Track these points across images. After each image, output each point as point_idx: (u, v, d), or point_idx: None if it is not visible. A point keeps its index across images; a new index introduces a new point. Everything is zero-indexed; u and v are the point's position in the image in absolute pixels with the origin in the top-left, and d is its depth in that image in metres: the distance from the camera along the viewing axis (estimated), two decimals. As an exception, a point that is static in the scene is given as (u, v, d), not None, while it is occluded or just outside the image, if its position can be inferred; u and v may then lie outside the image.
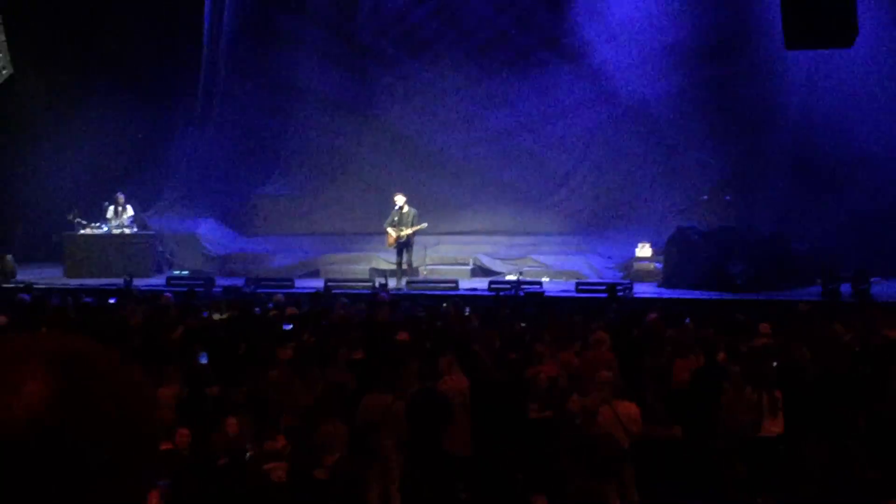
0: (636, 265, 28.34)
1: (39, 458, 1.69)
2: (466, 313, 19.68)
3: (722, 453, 13.06)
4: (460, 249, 30.61)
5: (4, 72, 30.16)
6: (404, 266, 27.53)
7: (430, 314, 19.51)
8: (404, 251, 27.50)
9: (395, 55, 33.44)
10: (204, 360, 15.13)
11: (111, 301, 22.68)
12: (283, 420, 12.44)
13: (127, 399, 1.82)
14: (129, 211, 29.97)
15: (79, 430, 1.73)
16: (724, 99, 30.51)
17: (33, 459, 1.69)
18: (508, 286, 26.02)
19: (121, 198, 29.98)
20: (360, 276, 28.34)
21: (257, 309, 20.37)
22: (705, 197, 29.72)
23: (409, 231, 27.27)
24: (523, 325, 18.07)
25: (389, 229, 27.45)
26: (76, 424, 1.73)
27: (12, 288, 26.04)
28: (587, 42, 31.52)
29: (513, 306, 21.57)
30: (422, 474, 12.42)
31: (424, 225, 27.50)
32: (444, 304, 21.17)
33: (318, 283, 26.73)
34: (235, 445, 11.19)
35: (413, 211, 27.49)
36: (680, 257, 26.84)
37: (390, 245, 27.72)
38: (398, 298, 23.44)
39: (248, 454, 11.28)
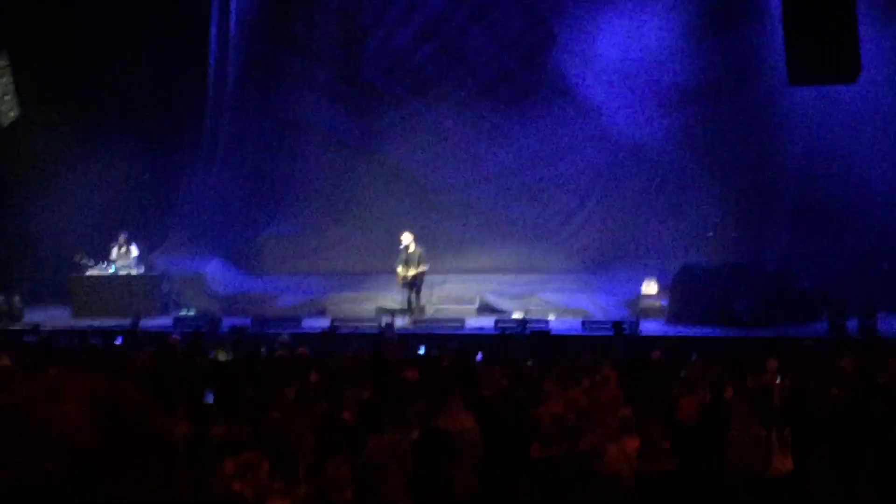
0: (642, 302, 28.32)
1: (83, 490, 1.71)
2: (479, 358, 19.66)
3: (729, 491, 13.02)
4: (466, 288, 30.60)
5: (12, 114, 30.24)
6: (412, 304, 27.56)
7: (439, 353, 19.51)
8: (412, 290, 27.53)
9: (400, 94, 33.52)
10: (210, 400, 15.13)
11: (117, 342, 22.69)
12: (287, 460, 12.42)
13: (155, 437, 1.85)
14: (134, 251, 30.02)
15: (115, 470, 1.75)
16: (727, 136, 30.57)
17: (77, 491, 1.71)
18: (515, 324, 26.02)
19: (123, 238, 30.03)
20: (366, 315, 28.33)
21: (263, 349, 20.38)
22: (710, 234, 29.74)
23: (413, 272, 27.29)
24: (530, 363, 18.05)
25: (399, 268, 27.50)
26: (113, 464, 1.75)
27: (19, 330, 26.07)
28: (591, 80, 31.59)
29: (519, 344, 21.55)
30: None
31: (423, 269, 27.51)
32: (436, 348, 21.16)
33: (325, 323, 26.75)
34: (236, 486, 11.15)
35: (420, 250, 27.51)
36: (686, 294, 26.84)
37: (398, 284, 27.76)
38: (405, 337, 23.46)
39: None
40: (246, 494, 10.76)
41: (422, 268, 27.42)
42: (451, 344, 21.42)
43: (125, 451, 1.78)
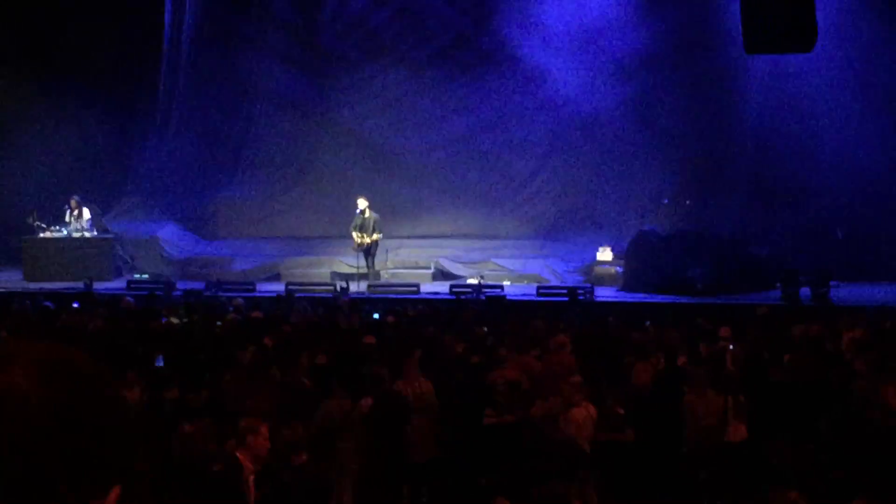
0: (597, 269, 28.42)
1: (25, 458, 1.69)
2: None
3: (684, 458, 13.08)
4: (421, 253, 30.66)
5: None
6: (369, 270, 27.56)
7: (395, 318, 19.49)
8: (368, 256, 27.52)
9: (356, 58, 33.41)
10: (160, 364, 15.07)
11: (74, 305, 22.55)
12: (241, 424, 12.37)
13: (105, 402, 1.83)
14: (87, 214, 29.79)
15: (67, 437, 1.72)
16: (683, 103, 30.68)
17: (21, 458, 1.69)
18: (470, 290, 26.04)
19: (74, 201, 29.77)
20: (321, 280, 28.28)
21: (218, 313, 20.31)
22: (665, 201, 29.89)
23: (368, 239, 27.27)
24: (485, 329, 18.05)
25: (354, 234, 27.44)
26: (64, 430, 1.73)
27: (-30, 292, 25.87)
28: (547, 46, 31.54)
29: (474, 310, 21.56)
30: (381, 479, 12.39)
31: (379, 236, 27.50)
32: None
33: (280, 287, 26.71)
34: (193, 450, 11.11)
35: (375, 216, 27.49)
36: (640, 261, 26.92)
37: (355, 249, 27.72)
38: (359, 302, 23.44)
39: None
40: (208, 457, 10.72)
41: (376, 235, 27.39)
42: (408, 309, 21.40)
43: (76, 416, 1.75)
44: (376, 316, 20.82)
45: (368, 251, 27.49)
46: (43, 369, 1.77)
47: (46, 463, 1.71)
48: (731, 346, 15.70)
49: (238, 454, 9.43)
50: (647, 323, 18.78)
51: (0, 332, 16.80)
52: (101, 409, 1.80)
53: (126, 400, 1.99)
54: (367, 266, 27.63)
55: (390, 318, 19.47)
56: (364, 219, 27.38)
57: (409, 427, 12.60)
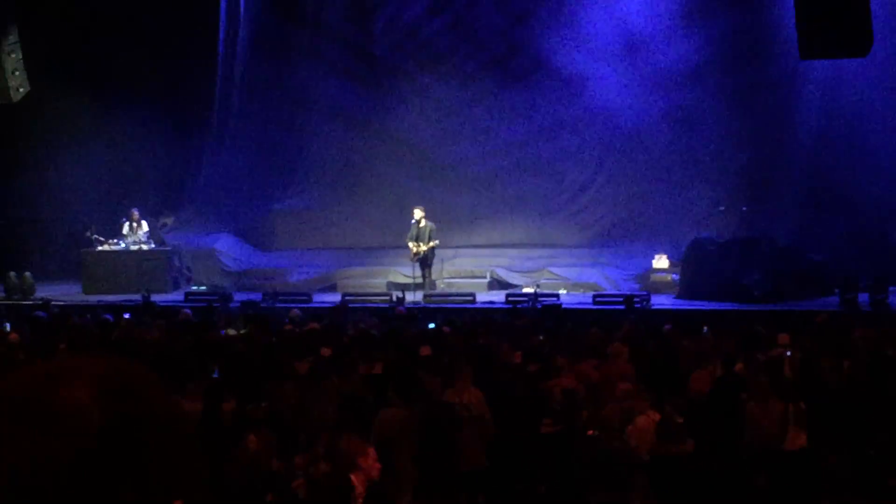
0: (653, 276, 28.32)
1: (88, 473, 1.71)
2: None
3: (744, 466, 13.01)
4: (477, 262, 30.65)
5: (21, 90, 30.18)
6: (425, 280, 27.56)
7: (453, 328, 19.49)
8: (423, 265, 27.53)
9: (410, 69, 33.49)
10: (216, 376, 15.15)
11: (126, 316, 22.70)
12: (301, 436, 12.42)
13: (166, 416, 1.85)
14: (145, 227, 30.02)
15: (126, 452, 1.75)
16: (737, 111, 30.50)
17: (88, 473, 1.71)
18: (526, 299, 26.01)
19: (135, 214, 30.04)
20: (377, 290, 28.33)
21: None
22: (722, 208, 29.74)
23: (425, 248, 27.27)
24: (541, 337, 18.04)
25: (410, 244, 27.48)
26: (123, 446, 1.75)
27: (30, 304, 26.11)
28: (597, 55, 31.47)
29: (531, 319, 21.54)
30: (435, 488, 12.40)
31: (434, 243, 27.49)
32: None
33: (336, 298, 26.77)
34: (257, 462, 11.16)
35: (430, 225, 27.48)
36: (697, 268, 26.81)
37: (412, 260, 27.75)
38: (416, 312, 23.47)
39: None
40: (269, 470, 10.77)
41: (432, 243, 27.40)
42: (461, 318, 21.40)
43: (135, 431, 1.77)
44: (432, 325, 20.83)
45: (425, 261, 27.48)
46: (104, 384, 1.79)
47: (108, 478, 1.73)
48: (788, 353, 15.61)
49: (352, 477, 9.43)
50: (705, 329, 18.67)
51: (59, 345, 16.97)
52: (161, 424, 1.82)
53: (185, 413, 2.01)
54: (423, 276, 27.63)
55: (446, 329, 19.47)
56: (419, 228, 27.39)
57: (461, 436, 12.60)
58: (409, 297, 26.79)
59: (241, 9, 33.50)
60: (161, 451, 1.80)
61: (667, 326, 19.05)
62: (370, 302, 26.36)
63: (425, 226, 27.43)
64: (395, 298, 26.23)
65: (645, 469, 12.06)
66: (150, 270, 29.59)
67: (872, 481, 12.51)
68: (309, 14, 33.88)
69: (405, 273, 28.54)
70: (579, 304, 25.89)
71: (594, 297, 26.34)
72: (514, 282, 29.45)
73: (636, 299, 25.10)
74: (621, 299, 25.11)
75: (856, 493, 10.51)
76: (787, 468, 12.51)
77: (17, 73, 30.04)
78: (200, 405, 12.95)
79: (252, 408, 12.95)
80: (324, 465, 10.67)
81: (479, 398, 13.07)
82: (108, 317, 21.93)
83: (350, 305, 25.02)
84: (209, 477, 2.00)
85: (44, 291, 28.71)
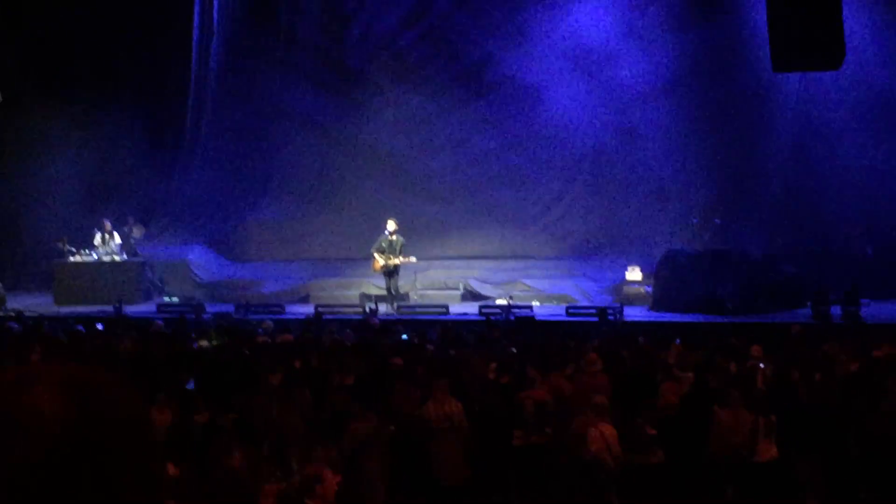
0: (626, 288, 28.33)
1: (54, 479, 1.70)
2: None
3: (712, 477, 13.04)
4: (450, 274, 30.61)
5: (-6, 100, 30.11)
6: (392, 291, 27.51)
7: (422, 340, 19.50)
8: (392, 277, 27.46)
9: (384, 80, 33.48)
10: (190, 387, 15.11)
11: (98, 327, 22.65)
12: (270, 447, 12.38)
13: (133, 424, 1.84)
14: (117, 238, 29.93)
15: (91, 453, 1.74)
16: (712, 124, 30.61)
17: (48, 480, 1.70)
18: (499, 310, 26.02)
19: (107, 224, 29.94)
20: (350, 302, 28.30)
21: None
22: (695, 220, 29.83)
23: (396, 261, 27.19)
24: (514, 349, 18.05)
25: (376, 255, 27.39)
26: (89, 447, 1.74)
27: (2, 316, 25.99)
28: (574, 65, 31.59)
29: (504, 331, 21.55)
30: (409, 500, 12.39)
31: (413, 259, 27.43)
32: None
33: (309, 309, 26.72)
34: (241, 477, 11.10)
35: (401, 239, 27.39)
36: (670, 280, 26.85)
37: (375, 271, 27.70)
38: (389, 323, 23.45)
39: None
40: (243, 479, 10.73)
41: (409, 259, 27.31)
42: (432, 331, 21.41)
43: (101, 438, 1.76)
44: (405, 337, 20.83)
45: (391, 274, 27.42)
46: (66, 390, 1.78)
47: (68, 480, 1.72)
48: (761, 365, 15.65)
49: (308, 502, 9.41)
50: (677, 341, 18.69)
51: (32, 356, 16.90)
52: (125, 431, 1.81)
53: (153, 422, 2.01)
54: (388, 289, 27.53)
55: (417, 340, 19.48)
56: (391, 241, 27.34)
57: (435, 448, 12.59)
58: (383, 308, 26.78)
59: (215, 19, 33.51)
60: (123, 456, 1.79)
61: (640, 338, 19.09)
62: (343, 313, 26.32)
63: (397, 239, 27.36)
64: (368, 310, 26.21)
65: (614, 480, 12.07)
66: (122, 281, 29.48)
67: (842, 494, 12.56)
68: (283, 25, 33.89)
69: (378, 285, 28.50)
70: (552, 315, 25.89)
71: (567, 308, 26.36)
72: (488, 293, 29.44)
73: (609, 311, 25.13)
74: (594, 311, 25.16)
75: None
76: (757, 480, 12.54)
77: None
78: (170, 416, 12.93)
79: (221, 419, 12.92)
80: (296, 479, 10.65)
81: (459, 409, 13.08)
82: (79, 328, 21.87)
83: (323, 317, 24.98)
84: (178, 486, 1.99)
85: (15, 303, 28.58)
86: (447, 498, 12.89)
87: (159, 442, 1.96)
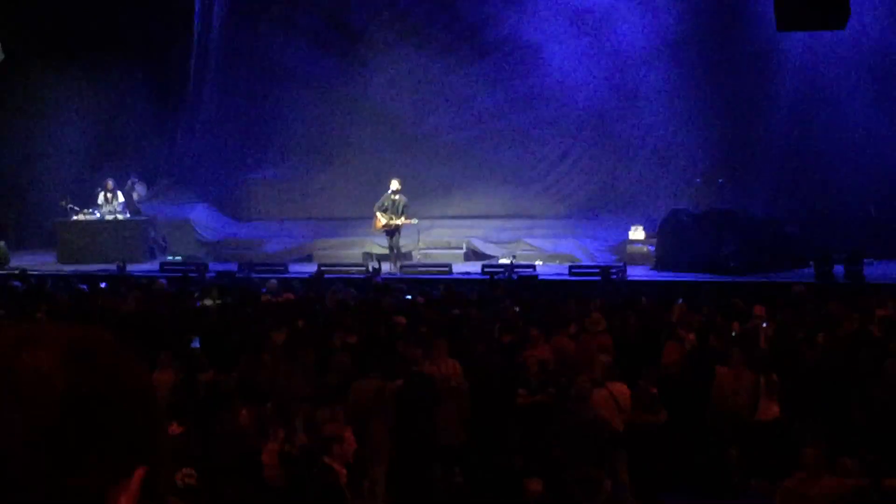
0: (629, 248, 28.32)
1: (48, 438, 1.70)
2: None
3: (715, 436, 13.07)
4: (453, 233, 30.58)
5: (-4, 58, 30.00)
6: (395, 251, 27.52)
7: (427, 299, 19.51)
8: (393, 236, 27.46)
9: (387, 39, 33.34)
10: (196, 346, 15.13)
11: (102, 286, 22.67)
12: (273, 406, 12.39)
13: (132, 384, 1.84)
14: (120, 197, 29.95)
15: (88, 412, 1.74)
16: (715, 84, 30.50)
17: (48, 444, 1.70)
18: (502, 270, 26.01)
19: (110, 183, 29.94)
20: (353, 261, 28.31)
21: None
22: (698, 180, 29.77)
23: (398, 221, 27.19)
24: (517, 308, 18.05)
25: (378, 214, 27.38)
26: (91, 412, 1.74)
27: (5, 274, 26.00)
28: (578, 26, 31.48)
29: (506, 290, 21.56)
30: (412, 459, 12.41)
31: (414, 221, 27.44)
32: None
33: (312, 268, 26.73)
34: (246, 436, 11.12)
35: (404, 199, 27.38)
36: (673, 240, 26.84)
37: (376, 229, 27.69)
38: (392, 282, 23.46)
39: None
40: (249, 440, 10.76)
41: (410, 220, 27.31)
42: (435, 290, 21.43)
43: (101, 398, 1.76)
44: (409, 297, 20.83)
45: (393, 233, 27.41)
46: (68, 351, 1.78)
47: (69, 443, 1.72)
48: (764, 325, 15.66)
49: (328, 461, 9.43)
50: (680, 301, 18.69)
51: (36, 314, 16.92)
52: (126, 392, 1.81)
53: (152, 382, 2.00)
54: (390, 247, 27.56)
55: (420, 299, 19.49)
56: (393, 201, 27.32)
57: (439, 409, 12.60)
58: (385, 267, 26.79)
59: (218, -22, 33.40)
60: (124, 418, 1.79)
61: (643, 298, 19.09)
62: (346, 273, 26.33)
63: (399, 199, 27.35)
64: (371, 269, 26.21)
65: (618, 441, 12.10)
66: (125, 240, 29.51)
67: (844, 453, 12.57)
68: (285, -16, 33.77)
69: (381, 244, 28.50)
70: (555, 275, 25.88)
71: (570, 268, 26.35)
72: (490, 253, 29.43)
73: (612, 270, 25.15)
74: (597, 270, 25.17)
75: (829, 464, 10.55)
76: (759, 438, 12.57)
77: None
78: (174, 375, 12.94)
79: (225, 378, 12.94)
80: (302, 438, 10.68)
81: (457, 370, 13.09)
82: (83, 287, 21.89)
83: (326, 276, 24.98)
84: (182, 443, 2.00)
85: (18, 261, 28.59)
86: (449, 456, 12.92)
87: (162, 407, 1.95)
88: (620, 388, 12.53)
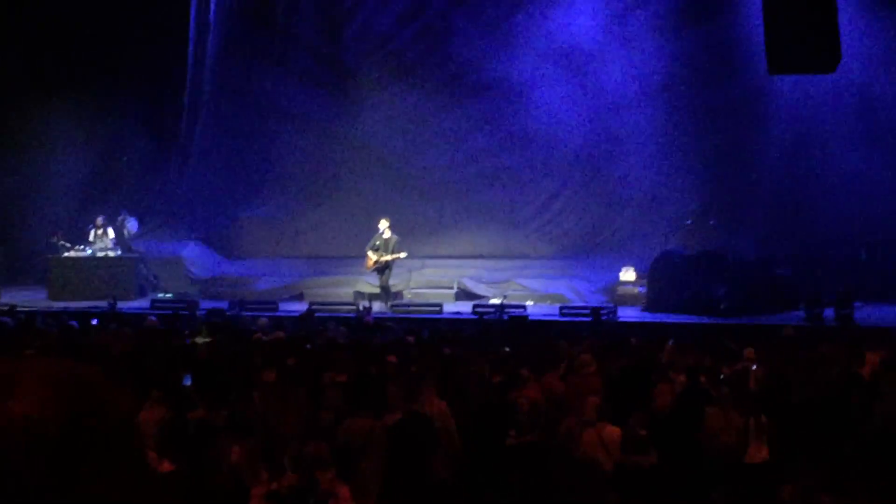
0: (620, 289, 28.36)
1: (34, 469, 1.70)
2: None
3: (705, 478, 13.05)
4: (444, 273, 30.61)
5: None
6: (385, 288, 27.55)
7: (417, 338, 19.51)
8: (384, 273, 27.50)
9: (380, 78, 33.50)
10: (188, 383, 15.10)
11: (93, 322, 22.64)
12: (261, 445, 12.36)
13: (123, 424, 1.84)
14: (111, 233, 29.99)
15: (79, 456, 1.74)
16: (706, 125, 30.66)
17: (29, 469, 1.70)
18: (492, 310, 26.03)
19: (100, 220, 29.99)
20: (343, 300, 28.32)
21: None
22: (689, 221, 29.84)
23: (388, 258, 27.25)
24: (507, 349, 18.05)
25: (369, 252, 27.45)
26: (76, 450, 1.74)
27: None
28: (569, 66, 31.62)
29: (497, 330, 21.57)
30: (403, 499, 12.38)
31: (403, 255, 27.49)
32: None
33: (302, 307, 26.73)
34: (237, 473, 11.08)
35: (395, 238, 27.45)
36: (664, 281, 26.89)
37: (368, 268, 27.74)
38: (383, 321, 23.47)
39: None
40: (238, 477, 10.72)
41: (398, 255, 27.34)
42: (424, 330, 21.43)
43: (89, 436, 1.76)
44: (410, 338, 20.81)
45: (382, 271, 27.46)
46: (57, 388, 1.78)
47: (52, 483, 1.72)
48: (753, 367, 15.68)
49: None
50: (670, 342, 18.69)
51: (25, 351, 16.88)
52: (113, 431, 1.81)
53: (142, 419, 2.01)
54: (381, 287, 27.62)
55: (410, 338, 19.48)
56: (383, 240, 27.37)
57: (431, 448, 12.58)
58: (376, 306, 26.80)
59: (211, 16, 33.48)
60: (114, 455, 1.80)
61: (633, 339, 19.10)
62: (337, 311, 26.33)
63: (390, 237, 27.41)
64: (362, 308, 26.22)
65: (607, 481, 12.08)
66: (116, 277, 29.52)
67: (836, 496, 12.56)
68: (279, 22, 33.91)
69: (372, 283, 28.52)
70: (546, 315, 25.91)
71: (561, 308, 26.37)
72: (482, 293, 29.45)
73: (603, 311, 25.17)
74: (588, 311, 25.19)
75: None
76: (748, 481, 12.56)
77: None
78: (164, 412, 12.90)
79: (216, 416, 12.92)
80: (290, 478, 10.65)
81: (443, 410, 13.06)
82: (73, 323, 21.85)
83: (317, 314, 24.98)
84: (157, 483, 2.01)
85: (9, 297, 28.56)
86: (438, 496, 12.89)
87: (147, 442, 1.97)
88: (610, 430, 12.52)
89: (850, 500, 9.96)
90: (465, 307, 27.26)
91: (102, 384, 1.86)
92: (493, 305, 26.76)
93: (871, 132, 29.31)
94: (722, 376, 15.15)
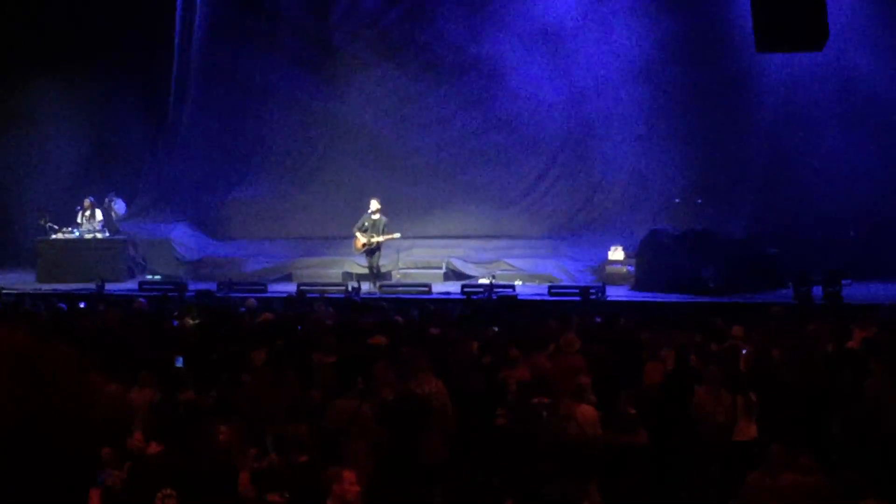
0: (608, 268, 28.39)
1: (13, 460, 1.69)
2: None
3: (694, 457, 13.07)
4: (433, 253, 30.61)
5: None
6: (374, 270, 27.54)
7: (406, 318, 19.49)
8: (373, 255, 27.48)
9: (367, 58, 33.39)
10: (179, 364, 15.09)
11: (81, 305, 22.61)
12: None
13: (80, 398, 1.83)
14: (99, 216, 29.93)
15: (36, 423, 1.73)
16: (695, 103, 30.61)
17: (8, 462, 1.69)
18: (481, 290, 26.03)
19: (88, 202, 29.93)
20: (332, 281, 28.30)
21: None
22: (677, 200, 29.84)
23: (378, 239, 27.22)
24: (496, 329, 18.04)
25: (358, 234, 27.40)
26: (34, 418, 1.73)
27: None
28: (558, 45, 31.57)
29: (486, 310, 21.55)
30: (395, 480, 12.38)
31: (397, 235, 27.49)
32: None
33: (291, 288, 26.75)
34: (225, 454, 11.07)
35: (384, 219, 27.41)
36: (652, 260, 26.90)
37: (357, 250, 27.70)
38: (371, 302, 23.45)
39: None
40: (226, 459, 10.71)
41: (391, 236, 27.32)
42: (413, 310, 21.41)
43: (53, 407, 1.75)
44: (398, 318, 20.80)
45: (372, 252, 27.43)
46: (20, 359, 1.76)
47: (10, 456, 1.71)
48: (744, 351, 15.69)
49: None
50: (660, 321, 18.71)
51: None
52: (78, 399, 1.80)
53: (112, 395, 2.00)
54: (370, 267, 27.61)
55: (399, 318, 19.46)
56: (372, 220, 27.33)
57: (425, 429, 12.58)
58: (365, 287, 26.79)
59: (198, -4, 33.42)
60: (76, 426, 1.78)
61: (622, 318, 19.11)
62: (326, 292, 26.30)
63: (379, 219, 27.37)
64: (350, 289, 26.22)
65: (597, 460, 12.09)
66: (104, 259, 29.48)
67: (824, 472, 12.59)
68: (266, 2, 33.77)
69: (361, 263, 28.49)
70: (535, 295, 25.91)
71: (550, 288, 26.38)
72: (470, 273, 29.48)
73: (591, 291, 25.18)
74: (577, 291, 25.20)
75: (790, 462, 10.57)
76: (736, 459, 12.57)
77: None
78: (152, 394, 12.89)
79: (206, 397, 12.91)
80: (273, 458, 10.66)
81: (441, 389, 13.07)
82: (62, 305, 21.83)
83: (306, 296, 24.97)
84: (160, 462, 1.99)
85: (-2, 280, 28.55)
86: (429, 476, 12.90)
87: (136, 423, 1.97)
88: (588, 410, 12.51)
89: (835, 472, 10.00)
90: (454, 287, 27.28)
91: (69, 355, 1.85)
92: (482, 285, 26.76)
93: (858, 111, 29.28)
94: (710, 355, 15.15)
